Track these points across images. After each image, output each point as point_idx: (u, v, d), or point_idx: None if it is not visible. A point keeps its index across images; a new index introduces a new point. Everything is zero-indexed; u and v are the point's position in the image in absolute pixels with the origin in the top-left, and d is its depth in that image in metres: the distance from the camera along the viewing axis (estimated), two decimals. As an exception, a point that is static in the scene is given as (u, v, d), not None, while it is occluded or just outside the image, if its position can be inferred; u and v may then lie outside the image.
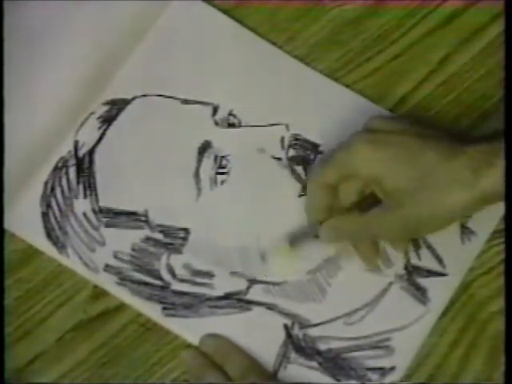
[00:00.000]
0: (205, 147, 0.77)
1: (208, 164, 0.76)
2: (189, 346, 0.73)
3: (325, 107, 0.78)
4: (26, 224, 0.75)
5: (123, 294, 0.74)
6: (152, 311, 0.73)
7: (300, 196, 0.75)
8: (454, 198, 0.66)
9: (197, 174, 0.76)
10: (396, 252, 0.74)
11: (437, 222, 0.69)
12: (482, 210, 0.69)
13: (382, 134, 0.70)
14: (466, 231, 0.74)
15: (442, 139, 0.69)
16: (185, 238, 0.75)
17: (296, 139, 0.77)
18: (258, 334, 0.72)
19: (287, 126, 0.77)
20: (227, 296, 0.73)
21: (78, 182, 0.76)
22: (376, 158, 0.69)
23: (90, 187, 0.76)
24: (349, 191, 0.72)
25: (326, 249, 0.74)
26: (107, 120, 0.78)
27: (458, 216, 0.70)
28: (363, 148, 0.69)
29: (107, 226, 0.75)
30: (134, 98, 0.78)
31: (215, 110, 0.78)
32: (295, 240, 0.73)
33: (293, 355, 0.72)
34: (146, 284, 0.74)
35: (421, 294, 0.73)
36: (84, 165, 0.77)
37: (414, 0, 0.80)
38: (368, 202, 0.71)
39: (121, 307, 0.74)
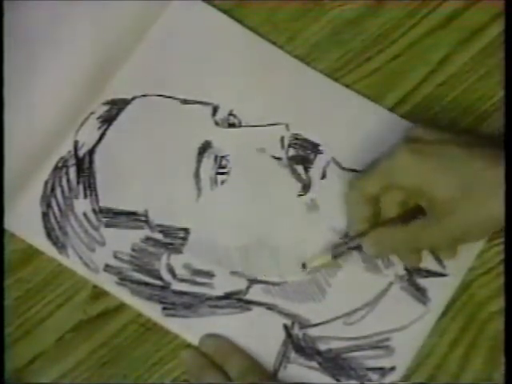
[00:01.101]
0: (205, 147, 0.77)
1: (208, 164, 0.76)
2: (189, 346, 0.73)
3: (325, 107, 0.78)
4: (26, 224, 0.75)
5: (123, 294, 0.74)
6: (152, 311, 0.73)
7: (299, 196, 0.75)
8: (497, 205, 0.66)
9: (197, 174, 0.76)
10: (444, 259, 0.73)
11: (483, 229, 0.70)
12: None
13: (426, 143, 0.70)
14: (466, 231, 0.74)
15: (485, 146, 0.69)
16: (185, 238, 0.75)
17: (296, 139, 0.77)
18: (257, 334, 0.73)
19: (287, 126, 0.77)
20: (227, 296, 0.73)
21: (78, 182, 0.76)
22: (420, 169, 0.69)
23: (90, 187, 0.76)
24: (391, 202, 0.72)
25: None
26: (107, 120, 0.78)
27: (500, 223, 0.68)
28: (407, 158, 0.69)
29: (107, 225, 0.75)
30: (133, 98, 0.78)
31: (215, 110, 0.78)
32: (338, 251, 0.73)
33: (293, 355, 0.72)
34: (146, 284, 0.74)
35: (421, 294, 0.73)
36: (84, 165, 0.77)
37: (413, 0, 0.80)
38: (411, 213, 0.71)
39: (121, 307, 0.74)
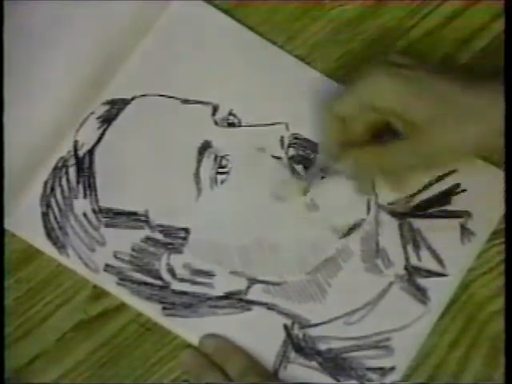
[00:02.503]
0: (205, 147, 0.77)
1: (208, 164, 0.76)
2: (189, 345, 0.73)
3: (324, 107, 0.78)
4: (26, 224, 0.75)
5: (123, 294, 0.74)
6: (152, 311, 0.73)
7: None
8: (470, 129, 0.67)
9: (197, 174, 0.76)
10: (413, 183, 0.74)
11: (456, 153, 0.69)
12: (494, 148, 0.69)
13: (402, 67, 0.70)
14: (465, 232, 0.74)
15: (460, 72, 0.69)
16: (185, 238, 0.75)
17: (296, 138, 0.77)
18: (257, 334, 0.73)
19: (287, 126, 0.77)
20: (227, 296, 0.73)
21: (77, 182, 0.76)
22: (396, 91, 0.69)
23: (90, 187, 0.76)
24: (366, 124, 0.72)
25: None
26: (107, 120, 0.78)
27: (472, 148, 0.69)
28: (383, 81, 0.69)
29: (107, 226, 0.75)
30: (133, 98, 0.78)
31: (215, 109, 0.78)
32: (314, 176, 0.73)
33: (293, 355, 0.72)
34: (146, 284, 0.74)
35: (421, 294, 0.73)
36: (84, 165, 0.77)
37: (414, 0, 0.80)
38: (384, 133, 0.71)
39: (121, 307, 0.74)
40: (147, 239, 0.75)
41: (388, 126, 0.71)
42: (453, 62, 0.78)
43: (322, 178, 0.75)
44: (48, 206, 0.76)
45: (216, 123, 0.78)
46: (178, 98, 0.78)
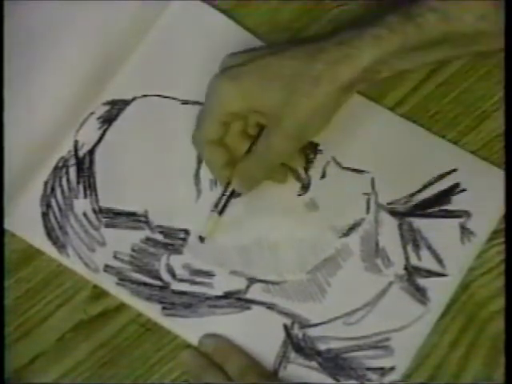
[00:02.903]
0: (205, 148, 0.77)
1: (208, 165, 0.77)
2: (188, 346, 0.73)
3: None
4: (26, 224, 0.75)
5: (123, 295, 0.74)
6: (152, 311, 0.73)
7: (299, 195, 0.75)
8: (320, 95, 0.67)
9: (197, 175, 0.76)
10: (295, 167, 0.75)
11: (315, 121, 0.69)
12: (346, 100, 0.70)
13: (238, 66, 0.70)
14: (465, 232, 0.74)
15: (298, 47, 0.69)
16: (185, 239, 0.75)
17: (295, 139, 0.77)
18: (257, 334, 0.73)
19: (286, 126, 0.77)
20: (227, 295, 0.73)
21: (78, 182, 0.76)
22: (242, 91, 0.69)
23: (90, 187, 0.76)
24: (237, 135, 0.72)
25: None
26: (107, 120, 0.78)
27: (329, 109, 0.69)
28: (226, 87, 0.70)
29: (107, 226, 0.75)
30: (133, 99, 0.78)
31: (215, 110, 0.78)
32: (221, 206, 0.73)
33: (292, 355, 0.72)
34: (146, 284, 0.74)
35: (421, 294, 0.73)
36: (84, 165, 0.77)
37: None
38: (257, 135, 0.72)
39: (121, 307, 0.74)
40: (147, 240, 0.75)
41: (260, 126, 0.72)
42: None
43: (322, 177, 0.75)
44: (48, 205, 0.76)
45: (216, 124, 0.78)
46: (177, 99, 0.78)
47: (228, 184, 0.73)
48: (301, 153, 0.76)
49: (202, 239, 0.74)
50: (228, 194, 0.73)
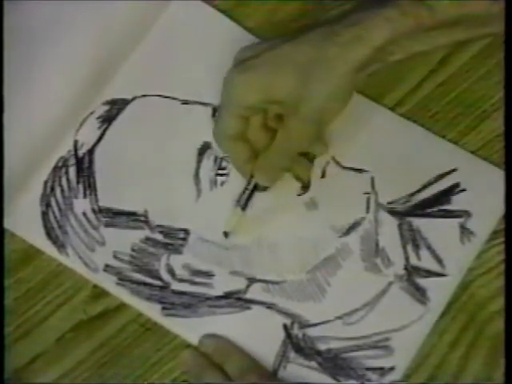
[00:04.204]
0: (205, 148, 0.77)
1: (208, 165, 0.77)
2: (189, 345, 0.73)
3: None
4: (25, 223, 0.75)
5: (123, 294, 0.74)
6: (152, 311, 0.73)
7: (299, 195, 0.75)
8: (335, 77, 0.67)
9: (196, 175, 0.76)
10: (319, 152, 0.75)
11: (333, 104, 0.69)
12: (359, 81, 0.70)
13: (251, 59, 0.70)
14: (465, 232, 0.74)
15: (310, 33, 0.69)
16: (184, 239, 0.75)
17: (296, 139, 0.77)
18: (257, 334, 0.72)
19: (287, 126, 0.77)
20: (227, 295, 0.73)
21: (77, 182, 0.76)
22: (257, 82, 0.69)
23: (90, 187, 0.76)
24: (258, 129, 0.72)
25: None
26: (107, 120, 0.78)
27: (345, 91, 0.69)
28: (240, 81, 0.70)
29: (107, 225, 0.75)
30: (133, 98, 0.78)
31: (215, 110, 0.78)
32: (243, 200, 0.73)
33: (292, 355, 0.72)
34: (146, 284, 0.74)
35: (420, 294, 0.73)
36: (84, 164, 0.77)
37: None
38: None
39: (121, 307, 0.74)
40: (147, 239, 0.75)
41: (279, 118, 0.72)
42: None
43: (322, 177, 0.75)
44: (48, 205, 0.76)
45: (216, 124, 0.78)
46: (178, 99, 0.78)
47: (251, 178, 0.72)
48: (322, 140, 0.75)
49: (226, 234, 0.74)
50: (251, 188, 0.73)
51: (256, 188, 0.73)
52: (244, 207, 0.73)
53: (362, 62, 0.67)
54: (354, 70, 0.67)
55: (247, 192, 0.73)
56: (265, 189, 0.74)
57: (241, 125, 0.71)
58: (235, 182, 0.76)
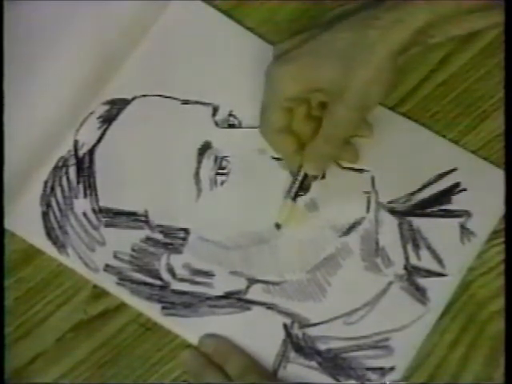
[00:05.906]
0: (205, 148, 0.77)
1: (208, 165, 0.77)
2: (189, 345, 0.73)
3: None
4: (26, 224, 0.76)
5: (123, 294, 0.74)
6: (152, 311, 0.73)
7: (299, 196, 0.75)
8: (376, 61, 0.67)
9: (197, 175, 0.76)
10: (365, 136, 0.76)
11: (376, 88, 0.69)
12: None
13: (291, 51, 0.70)
14: (465, 232, 0.74)
15: (349, 19, 0.69)
16: (185, 239, 0.75)
17: (296, 139, 0.77)
18: (257, 334, 0.73)
19: (287, 127, 0.77)
20: (227, 295, 0.73)
21: (78, 182, 0.76)
22: (297, 72, 0.69)
23: (90, 187, 0.76)
24: (303, 120, 0.72)
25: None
26: (107, 120, 0.78)
27: (387, 75, 0.68)
28: (281, 73, 0.70)
29: (107, 225, 0.75)
30: (133, 98, 0.79)
31: (215, 110, 0.78)
32: (293, 193, 0.73)
33: (292, 355, 0.72)
34: (146, 284, 0.74)
35: (420, 294, 0.73)
36: (84, 164, 0.77)
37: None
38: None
39: (121, 307, 0.74)
40: (147, 239, 0.75)
41: (323, 106, 0.72)
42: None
43: (322, 177, 0.75)
44: (48, 205, 0.76)
45: (216, 124, 0.78)
46: (178, 99, 0.79)
47: (300, 168, 0.72)
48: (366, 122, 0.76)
49: (278, 226, 0.73)
50: (300, 179, 0.73)
51: (305, 179, 0.73)
52: (294, 198, 0.73)
53: (402, 45, 0.67)
54: (395, 53, 0.67)
55: (297, 183, 0.73)
56: (314, 178, 0.74)
57: (286, 117, 0.72)
58: (235, 182, 0.76)
